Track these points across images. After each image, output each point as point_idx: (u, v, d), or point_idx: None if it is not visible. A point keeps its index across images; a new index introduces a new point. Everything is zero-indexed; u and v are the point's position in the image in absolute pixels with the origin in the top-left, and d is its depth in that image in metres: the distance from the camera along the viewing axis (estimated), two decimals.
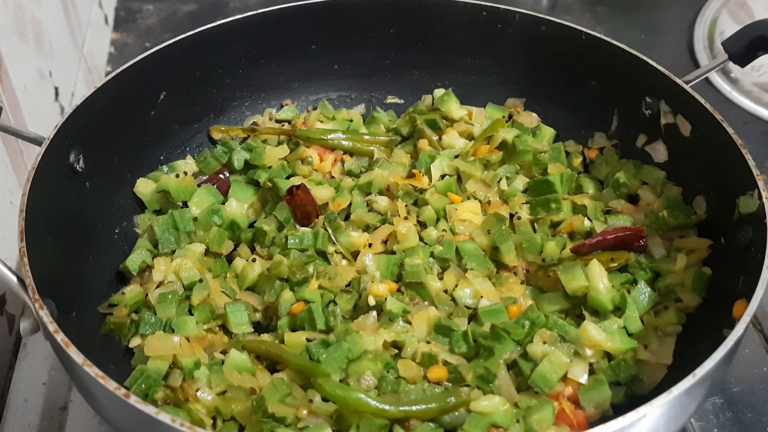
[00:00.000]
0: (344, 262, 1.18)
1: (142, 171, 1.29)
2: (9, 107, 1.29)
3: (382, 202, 1.25)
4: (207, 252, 1.20)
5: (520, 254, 1.17)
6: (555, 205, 1.22)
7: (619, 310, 1.08)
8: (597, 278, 1.07)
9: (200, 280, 1.13)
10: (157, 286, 1.13)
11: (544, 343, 1.03)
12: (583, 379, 1.00)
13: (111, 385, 0.82)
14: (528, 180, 1.27)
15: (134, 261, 1.16)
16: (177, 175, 1.27)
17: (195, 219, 1.22)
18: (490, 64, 1.40)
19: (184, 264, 1.14)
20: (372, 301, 1.10)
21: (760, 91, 1.69)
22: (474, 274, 1.15)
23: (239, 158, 1.32)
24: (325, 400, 0.97)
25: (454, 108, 1.38)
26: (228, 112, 1.42)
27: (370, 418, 0.94)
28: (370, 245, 1.19)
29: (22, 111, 1.35)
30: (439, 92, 1.41)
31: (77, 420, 1.14)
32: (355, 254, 1.18)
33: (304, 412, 0.96)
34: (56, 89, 1.55)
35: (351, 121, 1.43)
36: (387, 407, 0.95)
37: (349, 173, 1.33)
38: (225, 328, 1.12)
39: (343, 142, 1.35)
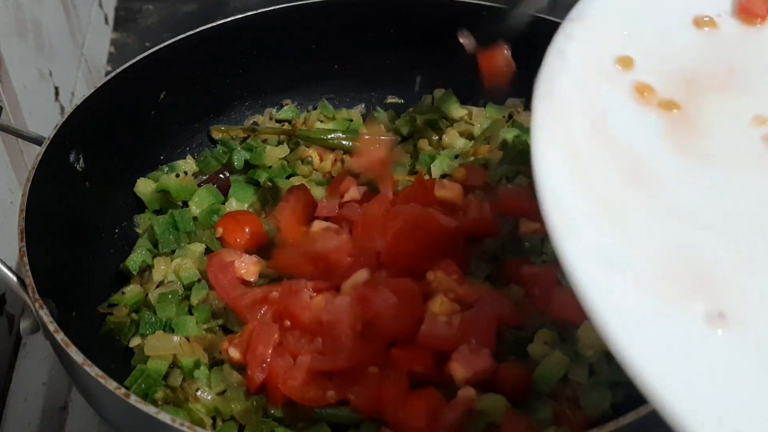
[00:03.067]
0: None
1: (142, 171, 1.28)
2: (9, 107, 1.29)
3: None
4: (207, 252, 1.20)
5: None
6: None
7: None
8: None
9: (200, 280, 1.13)
10: (157, 286, 1.13)
11: (545, 343, 1.03)
12: (583, 379, 1.00)
13: (111, 384, 0.82)
14: (528, 180, 1.27)
15: (134, 261, 1.16)
16: (177, 175, 1.27)
17: (195, 219, 1.22)
18: None
19: (184, 264, 1.14)
20: None
21: None
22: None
23: (239, 158, 1.32)
24: None
25: (454, 108, 1.38)
26: (228, 112, 1.41)
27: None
28: None
29: (22, 111, 1.35)
30: (439, 92, 1.41)
31: (77, 420, 1.13)
32: None
33: None
34: (56, 89, 1.55)
35: (351, 121, 1.43)
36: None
37: (349, 173, 1.32)
38: (225, 328, 1.12)
39: (343, 142, 1.35)
